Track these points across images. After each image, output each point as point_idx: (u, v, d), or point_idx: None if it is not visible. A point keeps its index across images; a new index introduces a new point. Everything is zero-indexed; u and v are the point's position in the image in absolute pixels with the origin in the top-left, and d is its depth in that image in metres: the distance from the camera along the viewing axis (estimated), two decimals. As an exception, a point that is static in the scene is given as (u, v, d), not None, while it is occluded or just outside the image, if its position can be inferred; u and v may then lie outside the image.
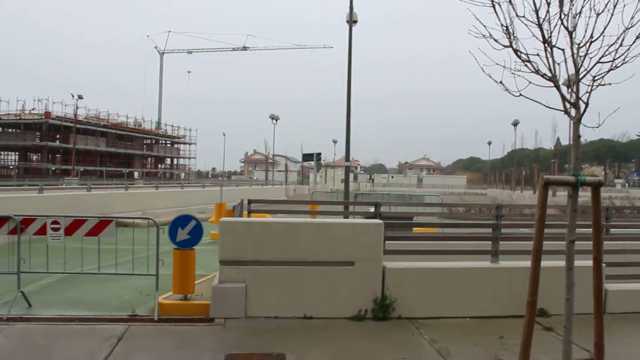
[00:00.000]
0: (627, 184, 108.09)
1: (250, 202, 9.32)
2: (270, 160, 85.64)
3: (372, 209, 9.43)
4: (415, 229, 10.61)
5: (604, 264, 7.92)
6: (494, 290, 7.56)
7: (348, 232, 7.32)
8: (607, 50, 4.63)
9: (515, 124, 65.15)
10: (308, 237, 7.21)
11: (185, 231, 7.39)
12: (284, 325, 6.93)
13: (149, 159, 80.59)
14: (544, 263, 6.86)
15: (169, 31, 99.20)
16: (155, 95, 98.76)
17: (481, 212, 16.45)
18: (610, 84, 4.84)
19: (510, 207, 12.70)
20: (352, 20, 17.64)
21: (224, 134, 69.45)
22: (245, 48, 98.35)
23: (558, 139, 63.60)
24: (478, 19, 4.73)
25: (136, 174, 72.51)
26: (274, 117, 69.60)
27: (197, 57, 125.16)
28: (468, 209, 16.07)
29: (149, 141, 79.95)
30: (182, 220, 7.48)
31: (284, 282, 7.15)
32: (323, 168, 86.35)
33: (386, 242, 7.72)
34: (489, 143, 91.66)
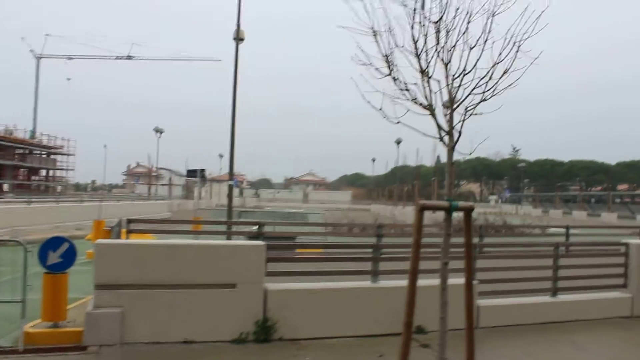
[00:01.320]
0: (500, 200, 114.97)
1: (129, 221, 9.00)
2: (154, 174, 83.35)
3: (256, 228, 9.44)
4: (298, 250, 10.68)
5: (477, 282, 8.40)
6: (375, 310, 7.73)
7: (230, 254, 7.21)
8: (478, 82, 4.92)
9: (398, 142, 67.50)
10: (189, 259, 7.01)
11: (57, 254, 6.93)
12: (163, 350, 6.69)
13: (21, 170, 75.77)
14: (423, 281, 7.12)
15: (47, 35, 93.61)
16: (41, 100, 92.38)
17: (364, 231, 16.87)
18: (481, 113, 5.12)
19: (392, 226, 13.11)
20: (238, 38, 17.62)
21: (104, 146, 66.83)
22: (129, 57, 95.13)
23: (438, 157, 66.61)
24: (360, 48, 4.88)
25: (6, 186, 67.94)
26: (158, 130, 67.81)
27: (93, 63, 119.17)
28: (351, 228, 16.51)
29: (21, 151, 75.19)
30: (53, 243, 7.01)
31: (164, 306, 6.90)
32: (209, 182, 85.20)
33: (270, 263, 7.72)
34: (373, 160, 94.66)
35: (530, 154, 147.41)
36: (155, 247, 7.18)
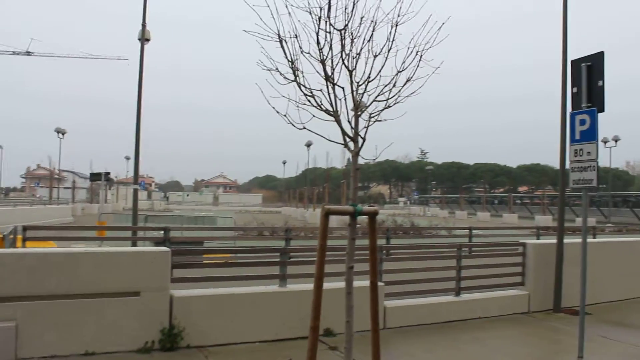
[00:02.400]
0: (408, 202, 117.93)
1: (25, 228, 8.56)
2: (56, 176, 79.82)
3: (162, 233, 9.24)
4: (206, 255, 10.54)
5: (383, 283, 8.58)
6: (283, 314, 7.73)
7: (133, 261, 6.96)
8: (382, 90, 5.02)
9: (308, 145, 67.98)
10: (90, 267, 6.69)
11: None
12: (61, 364, 6.41)
13: None
14: (332, 284, 7.24)
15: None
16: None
17: (274, 234, 16.86)
18: (385, 120, 5.23)
19: (301, 229, 13.17)
20: (144, 39, 17.19)
21: (0, 146, 63.25)
22: (28, 53, 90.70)
23: (348, 160, 67.61)
24: (265, 53, 4.87)
25: None
26: (59, 131, 64.97)
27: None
28: (260, 231, 16.47)
29: None
30: None
31: (62, 318, 6.55)
32: (115, 185, 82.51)
33: (176, 269, 7.57)
34: (284, 162, 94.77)
35: (438, 157, 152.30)
36: (51, 255, 6.78)
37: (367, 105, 5.02)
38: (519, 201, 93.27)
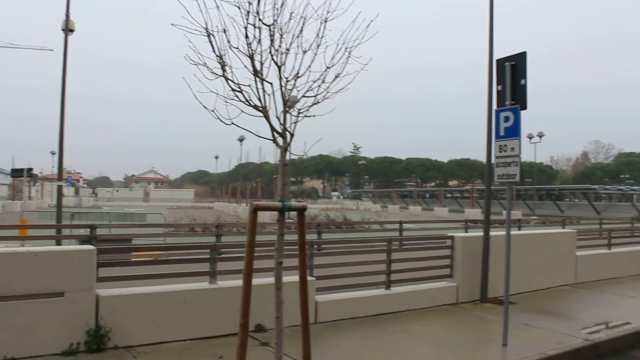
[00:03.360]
0: (341, 196, 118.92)
1: None
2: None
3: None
4: (135, 253, 10.31)
5: (314, 278, 8.62)
6: (214, 311, 7.65)
7: (56, 261, 6.69)
8: (311, 85, 5.03)
9: (241, 139, 67.43)
10: (9, 268, 6.40)
11: None
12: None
13: None
14: (263, 280, 7.22)
15: None
16: None
17: (206, 231, 16.66)
18: (314, 116, 5.25)
19: (232, 225, 13.06)
20: (67, 29, 16.60)
21: None
22: None
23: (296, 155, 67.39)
24: (192, 47, 4.79)
25: None
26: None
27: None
28: (192, 228, 16.25)
29: None
30: None
31: (-24, 323, 6.26)
32: (40, 181, 79.70)
33: (103, 268, 7.37)
34: (217, 157, 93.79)
35: (371, 152, 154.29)
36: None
37: (296, 101, 5.03)
38: (449, 195, 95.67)
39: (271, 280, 4.77)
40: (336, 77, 5.05)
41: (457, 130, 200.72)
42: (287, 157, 5.13)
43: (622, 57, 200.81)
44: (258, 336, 7.64)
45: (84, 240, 8.91)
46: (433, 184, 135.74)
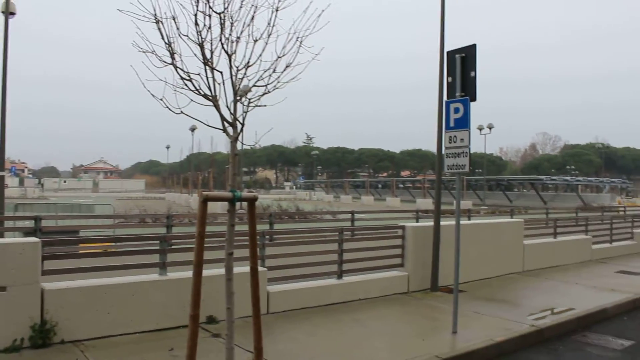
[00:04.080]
0: (294, 186, 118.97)
1: None
2: None
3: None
4: (82, 245, 10.07)
5: (265, 269, 8.59)
6: (164, 303, 7.55)
7: (-3, 254, 6.48)
8: (262, 75, 4.99)
9: (192, 129, 66.62)
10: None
11: None
12: None
13: None
14: (214, 271, 7.15)
15: None
16: None
17: (157, 222, 16.39)
18: (265, 105, 5.21)
19: (183, 216, 12.91)
20: (8, 12, 16.03)
21: None
22: None
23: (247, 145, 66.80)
24: (140, 34, 4.68)
25: None
26: None
27: None
28: (142, 219, 15.98)
29: None
30: None
31: None
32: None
33: (48, 260, 7.17)
34: (168, 147, 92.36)
35: (324, 142, 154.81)
36: None
37: (247, 90, 4.98)
38: (401, 185, 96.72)
39: (223, 271, 4.72)
40: (287, 66, 5.01)
41: (410, 121, 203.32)
42: (239, 147, 5.08)
43: (571, 56, 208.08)
44: (210, 328, 7.58)
45: (28, 232, 8.65)
46: (385, 174, 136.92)
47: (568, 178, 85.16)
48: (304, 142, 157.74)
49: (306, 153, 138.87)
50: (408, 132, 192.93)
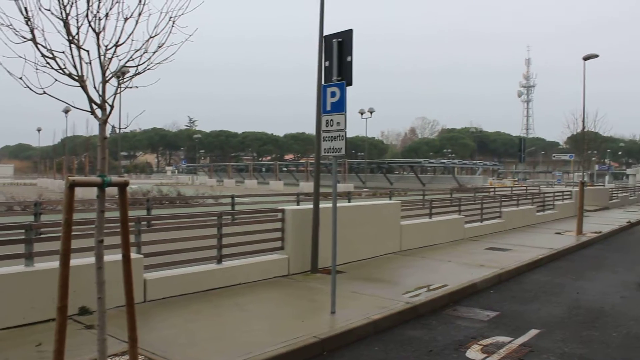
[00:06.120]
0: (177, 171, 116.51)
1: None
2: None
3: None
4: None
5: (142, 256, 8.35)
6: (31, 296, 7.10)
7: None
8: (132, 55, 4.79)
9: (66, 110, 63.16)
10: None
11: None
12: None
13: None
14: (86, 260, 6.84)
15: None
16: None
17: (27, 209, 15.45)
18: (137, 87, 5.03)
19: (58, 202, 12.25)
20: None
21: None
22: None
23: (112, 127, 64.11)
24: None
25: None
26: None
27: None
28: (10, 207, 14.97)
29: None
30: None
31: None
32: None
33: None
34: (39, 130, 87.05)
35: (207, 125, 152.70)
36: None
37: (118, 71, 4.77)
38: (285, 169, 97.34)
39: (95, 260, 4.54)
40: (159, 47, 4.86)
41: (295, 105, 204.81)
42: (116, 131, 4.87)
43: (454, 47, 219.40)
44: (82, 319, 7.26)
45: None
46: (269, 158, 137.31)
47: (445, 161, 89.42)
48: (187, 125, 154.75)
49: (188, 136, 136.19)
50: (293, 116, 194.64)
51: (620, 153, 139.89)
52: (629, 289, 10.90)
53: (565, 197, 27.70)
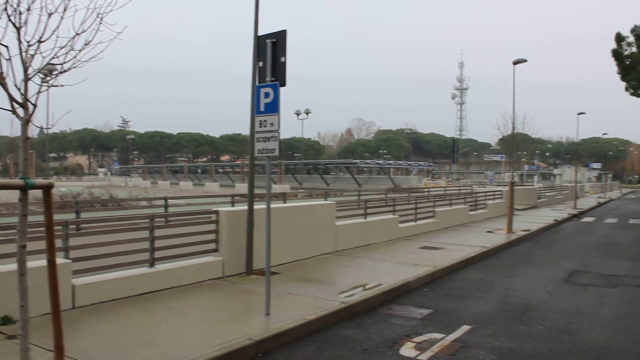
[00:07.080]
0: (109, 172, 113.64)
1: None
2: None
3: None
4: None
5: (70, 260, 8.08)
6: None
7: None
8: (57, 52, 4.62)
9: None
10: None
11: None
12: None
13: None
14: (8, 267, 6.56)
15: None
16: None
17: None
18: (63, 85, 4.87)
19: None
20: None
21: None
22: None
23: (41, 127, 61.95)
24: None
25: None
26: None
27: None
28: None
29: None
30: None
31: None
32: None
33: None
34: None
35: (141, 126, 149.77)
36: None
37: (41, 68, 4.59)
38: (221, 170, 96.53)
39: (27, 265, 4.35)
40: (86, 44, 4.71)
41: (231, 106, 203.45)
42: (38, 131, 4.69)
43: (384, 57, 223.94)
44: (5, 329, 6.93)
45: None
46: (205, 159, 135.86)
47: (380, 162, 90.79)
48: (120, 126, 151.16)
49: (122, 137, 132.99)
50: (229, 117, 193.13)
51: (548, 154, 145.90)
52: (555, 284, 11.32)
53: (496, 196, 28.56)
